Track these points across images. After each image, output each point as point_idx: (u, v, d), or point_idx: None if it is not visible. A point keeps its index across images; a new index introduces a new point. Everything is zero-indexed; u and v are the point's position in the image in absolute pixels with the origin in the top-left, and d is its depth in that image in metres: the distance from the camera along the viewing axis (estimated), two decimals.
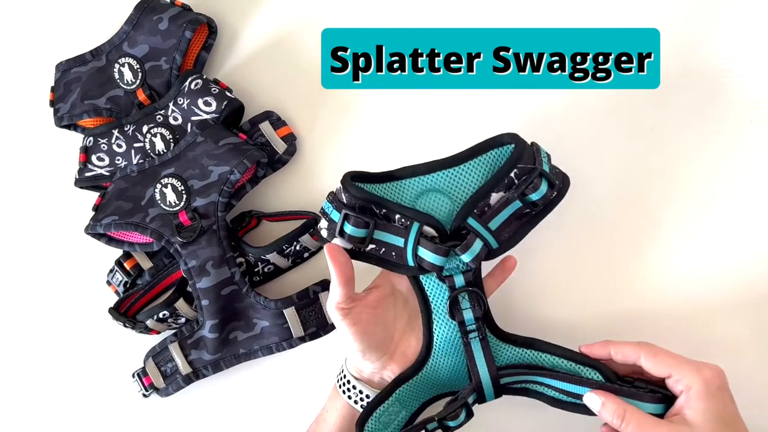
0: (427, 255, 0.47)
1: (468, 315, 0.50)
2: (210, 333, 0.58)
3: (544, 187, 0.47)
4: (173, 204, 0.58)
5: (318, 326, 0.58)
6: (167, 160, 0.59)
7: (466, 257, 0.48)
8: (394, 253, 0.49)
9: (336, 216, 0.49)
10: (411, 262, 0.48)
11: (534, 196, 0.47)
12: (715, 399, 0.44)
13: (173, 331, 0.61)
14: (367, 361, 0.51)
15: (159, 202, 0.58)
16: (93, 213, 0.60)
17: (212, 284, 0.57)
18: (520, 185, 0.47)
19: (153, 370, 0.61)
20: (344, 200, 0.49)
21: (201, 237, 0.57)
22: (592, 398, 0.47)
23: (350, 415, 0.52)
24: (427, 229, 0.48)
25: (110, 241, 0.60)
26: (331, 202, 0.50)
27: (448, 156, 0.49)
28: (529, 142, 0.49)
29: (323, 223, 0.51)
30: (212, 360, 0.60)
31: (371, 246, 0.49)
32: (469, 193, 0.49)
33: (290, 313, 0.57)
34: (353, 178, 0.50)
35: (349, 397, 0.52)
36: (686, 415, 0.44)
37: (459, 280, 0.50)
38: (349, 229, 0.48)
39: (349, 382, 0.52)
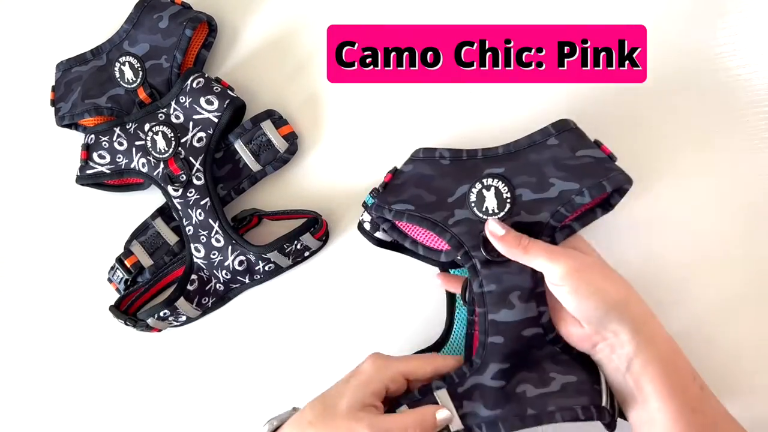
0: None
1: None
2: (493, 380, 0.47)
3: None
4: (493, 212, 0.49)
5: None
6: (497, 156, 0.51)
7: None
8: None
9: None
10: (444, 258, 0.52)
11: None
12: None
13: (175, 327, 0.61)
14: None
15: (473, 205, 0.49)
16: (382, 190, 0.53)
17: (514, 320, 0.47)
18: None
19: None
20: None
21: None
22: (492, 225, 0.47)
23: None
24: None
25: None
26: (375, 198, 0.53)
27: None
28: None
29: (366, 217, 0.55)
30: (490, 416, 0.47)
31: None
32: None
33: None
34: None
35: None
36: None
37: None
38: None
39: None
